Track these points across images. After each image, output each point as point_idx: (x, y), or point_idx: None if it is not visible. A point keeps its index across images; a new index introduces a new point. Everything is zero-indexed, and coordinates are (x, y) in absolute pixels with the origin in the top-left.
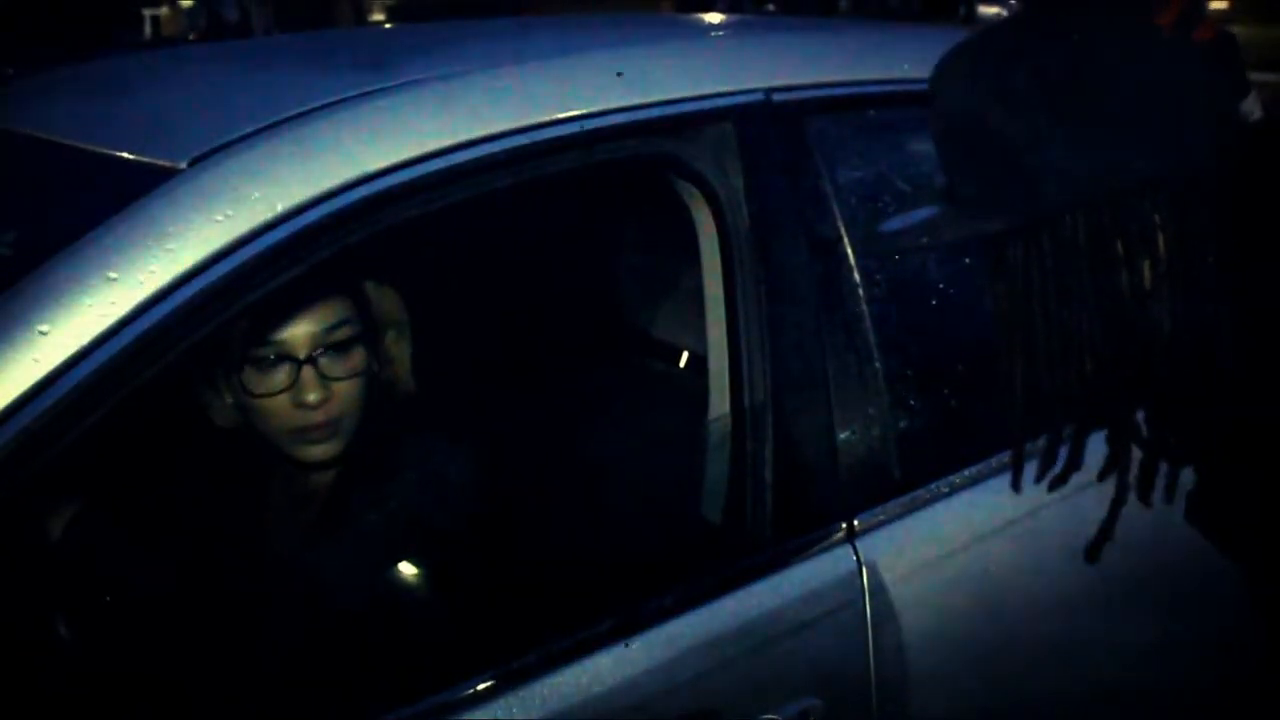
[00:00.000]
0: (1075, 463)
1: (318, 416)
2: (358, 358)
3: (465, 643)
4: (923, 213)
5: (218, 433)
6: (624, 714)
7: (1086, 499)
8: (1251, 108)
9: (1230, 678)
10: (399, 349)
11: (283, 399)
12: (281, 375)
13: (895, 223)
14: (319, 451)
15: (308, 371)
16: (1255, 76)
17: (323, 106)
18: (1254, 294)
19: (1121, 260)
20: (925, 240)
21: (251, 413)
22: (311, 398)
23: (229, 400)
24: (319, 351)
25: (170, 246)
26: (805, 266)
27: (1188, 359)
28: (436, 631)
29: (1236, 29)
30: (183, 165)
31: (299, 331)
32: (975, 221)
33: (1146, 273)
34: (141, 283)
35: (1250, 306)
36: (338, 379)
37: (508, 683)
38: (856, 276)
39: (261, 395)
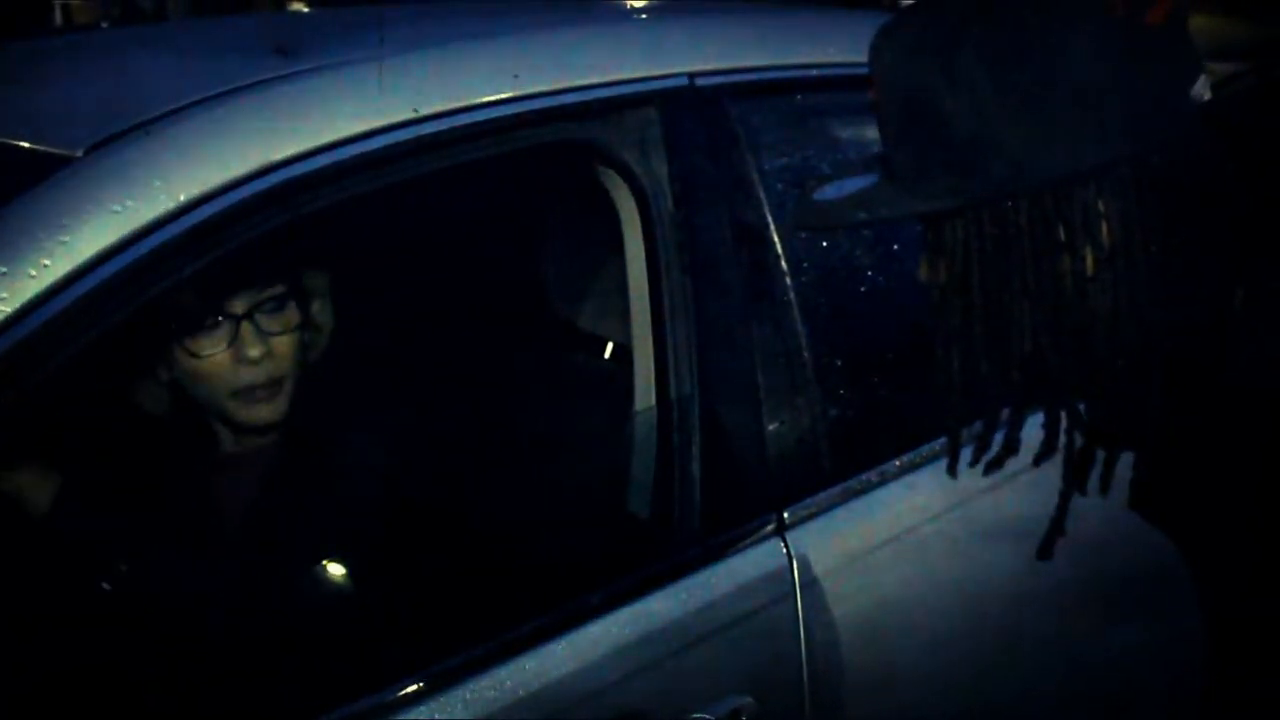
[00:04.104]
0: (1011, 447)
1: (260, 374)
2: (292, 314)
3: (380, 647)
4: (857, 183)
5: (125, 425)
6: (550, 718)
7: (1018, 486)
8: (1201, 91)
9: (1167, 662)
10: (325, 318)
11: (224, 358)
12: (222, 333)
13: (829, 191)
14: (264, 412)
15: (246, 327)
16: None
17: (229, 92)
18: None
19: (1064, 245)
20: (862, 215)
21: (193, 380)
22: (253, 353)
23: (164, 377)
24: (255, 307)
25: (64, 239)
26: (731, 254)
27: (1127, 346)
28: (349, 637)
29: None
30: (79, 153)
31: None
32: (915, 199)
33: (1089, 259)
34: (33, 276)
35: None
36: (275, 334)
37: (429, 688)
38: (784, 264)
39: (206, 355)
